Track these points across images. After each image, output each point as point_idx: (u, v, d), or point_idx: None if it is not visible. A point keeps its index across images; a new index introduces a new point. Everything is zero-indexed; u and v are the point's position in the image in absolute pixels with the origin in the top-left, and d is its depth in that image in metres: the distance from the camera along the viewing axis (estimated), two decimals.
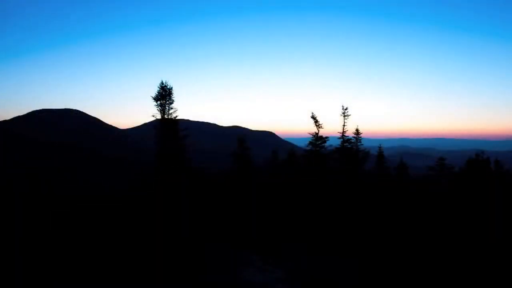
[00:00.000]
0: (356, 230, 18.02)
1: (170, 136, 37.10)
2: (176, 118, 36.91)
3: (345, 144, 38.16)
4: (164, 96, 36.54)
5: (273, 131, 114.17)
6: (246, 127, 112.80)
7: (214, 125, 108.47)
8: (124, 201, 23.31)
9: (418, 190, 35.29)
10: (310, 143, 37.46)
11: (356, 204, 25.92)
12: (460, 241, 16.38)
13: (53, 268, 11.87)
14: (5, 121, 78.37)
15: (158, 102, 36.13)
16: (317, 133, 36.82)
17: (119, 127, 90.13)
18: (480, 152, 44.55)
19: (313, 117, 36.38)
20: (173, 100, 36.53)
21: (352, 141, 38.42)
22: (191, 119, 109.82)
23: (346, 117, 37.47)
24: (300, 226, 18.52)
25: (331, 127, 41.04)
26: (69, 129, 74.06)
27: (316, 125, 36.46)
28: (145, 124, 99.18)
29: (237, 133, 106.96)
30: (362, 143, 38.72)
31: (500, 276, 12.36)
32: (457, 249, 15.18)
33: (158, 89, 36.45)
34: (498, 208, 27.31)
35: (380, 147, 44.11)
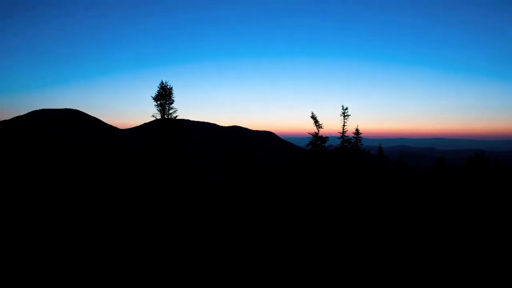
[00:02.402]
0: (357, 228, 18.02)
1: (170, 136, 37.06)
2: (176, 118, 36.90)
3: (345, 144, 38.17)
4: (164, 96, 36.50)
5: (273, 131, 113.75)
6: (246, 127, 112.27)
7: (214, 125, 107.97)
8: (124, 202, 23.28)
9: (418, 189, 35.32)
10: (310, 143, 37.45)
11: (356, 203, 25.93)
12: (461, 239, 16.38)
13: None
14: (5, 121, 78.14)
15: (158, 102, 36.09)
16: (317, 133, 36.82)
17: (119, 127, 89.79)
18: (480, 152, 44.62)
19: (313, 117, 36.37)
20: (173, 100, 36.48)
21: (352, 141, 38.44)
22: (191, 119, 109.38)
23: (346, 117, 37.47)
24: (301, 225, 18.51)
25: (331, 127, 40.98)
26: (69, 129, 73.96)
27: (316, 125, 36.46)
28: (145, 124, 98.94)
29: (237, 133, 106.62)
30: (362, 143, 38.74)
31: (501, 273, 12.36)
32: (458, 246, 15.17)
33: (158, 89, 36.40)
34: (498, 206, 27.43)
35: (380, 147, 44.17)
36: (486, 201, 28.33)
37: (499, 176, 42.53)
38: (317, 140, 36.75)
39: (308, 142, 37.65)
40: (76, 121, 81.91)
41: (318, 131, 36.70)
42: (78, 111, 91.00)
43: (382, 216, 21.70)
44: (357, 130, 37.92)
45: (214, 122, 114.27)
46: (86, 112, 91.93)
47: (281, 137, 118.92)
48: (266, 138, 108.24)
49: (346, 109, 37.39)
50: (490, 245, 15.79)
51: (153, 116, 36.49)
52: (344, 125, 37.53)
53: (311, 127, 36.76)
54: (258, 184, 34.40)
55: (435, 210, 24.55)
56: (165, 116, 36.54)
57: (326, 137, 37.19)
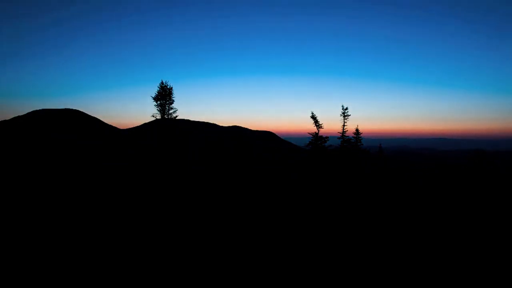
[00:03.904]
0: (357, 228, 18.02)
1: (170, 136, 37.08)
2: (176, 118, 36.93)
3: (345, 144, 38.16)
4: (164, 96, 36.47)
5: (273, 131, 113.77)
6: (246, 127, 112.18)
7: (214, 125, 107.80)
8: (124, 202, 23.26)
9: (418, 189, 35.29)
10: (310, 143, 37.42)
11: (356, 203, 25.93)
12: (460, 239, 16.38)
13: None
14: (5, 121, 78.15)
15: (158, 102, 36.06)
16: (317, 133, 36.78)
17: (119, 127, 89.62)
18: (480, 152, 44.70)
19: (313, 117, 36.37)
20: (173, 100, 36.56)
21: (352, 141, 38.43)
22: (191, 119, 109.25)
23: (346, 117, 37.48)
24: (300, 224, 18.51)
25: (331, 127, 41.09)
26: (68, 129, 73.86)
27: (316, 125, 36.45)
28: (145, 124, 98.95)
29: (237, 133, 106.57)
30: (362, 143, 38.76)
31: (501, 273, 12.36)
32: (458, 246, 15.17)
33: (158, 88, 36.35)
34: (498, 204, 27.50)
35: (380, 147, 44.24)
36: (486, 201, 28.33)
37: (499, 176, 42.54)
38: (317, 140, 36.76)
39: (308, 142, 37.67)
40: (76, 121, 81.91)
41: (318, 131, 36.70)
42: (78, 111, 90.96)
43: (382, 216, 21.69)
44: (357, 130, 37.95)
45: (214, 122, 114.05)
46: (87, 112, 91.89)
47: (281, 137, 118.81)
48: (266, 138, 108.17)
49: (346, 109, 37.42)
50: (490, 245, 15.79)
51: (153, 116, 36.53)
52: (344, 125, 37.54)
53: (311, 127, 36.85)
54: (258, 184, 34.40)
55: (435, 210, 24.54)
56: (165, 116, 36.52)
57: (326, 137, 37.24)
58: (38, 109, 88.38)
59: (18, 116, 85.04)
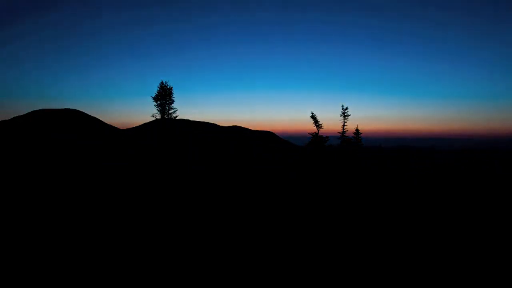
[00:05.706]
0: (356, 228, 18.03)
1: (170, 136, 37.10)
2: (176, 118, 36.94)
3: (345, 144, 38.20)
4: (164, 96, 36.47)
5: (273, 131, 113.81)
6: (246, 127, 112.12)
7: (214, 125, 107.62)
8: (124, 202, 23.27)
9: (415, 189, 35.30)
10: (310, 143, 37.46)
11: (355, 203, 25.96)
12: (457, 239, 16.39)
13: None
14: (4, 121, 78.11)
15: (158, 102, 36.05)
16: (317, 133, 36.81)
17: (119, 127, 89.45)
18: (479, 152, 44.77)
19: (313, 117, 36.39)
20: (173, 100, 36.55)
21: (353, 141, 38.47)
22: (191, 119, 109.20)
23: (346, 117, 37.52)
24: (300, 223, 18.52)
25: (331, 127, 41.24)
26: (68, 129, 73.84)
27: (316, 125, 36.48)
28: (145, 124, 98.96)
29: (237, 133, 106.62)
30: (362, 143, 38.80)
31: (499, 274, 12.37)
32: (455, 246, 15.18)
33: (158, 88, 36.35)
34: (497, 204, 27.53)
35: (380, 147, 44.25)
36: (484, 201, 28.34)
37: (495, 175, 42.56)
38: (317, 140, 36.80)
39: (308, 142, 37.72)
40: (76, 121, 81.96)
41: (318, 131, 36.76)
42: (78, 111, 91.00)
43: (380, 216, 21.71)
44: (357, 130, 38.00)
45: (214, 122, 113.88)
46: (86, 112, 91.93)
47: (281, 137, 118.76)
48: (266, 138, 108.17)
49: (346, 109, 37.48)
50: (487, 246, 15.79)
51: (153, 116, 36.57)
52: (344, 125, 37.60)
53: (311, 127, 36.90)
54: (258, 184, 34.43)
55: (432, 211, 24.56)
56: (165, 116, 36.56)
57: (326, 137, 37.31)
58: (38, 109, 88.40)
59: (18, 116, 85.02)
